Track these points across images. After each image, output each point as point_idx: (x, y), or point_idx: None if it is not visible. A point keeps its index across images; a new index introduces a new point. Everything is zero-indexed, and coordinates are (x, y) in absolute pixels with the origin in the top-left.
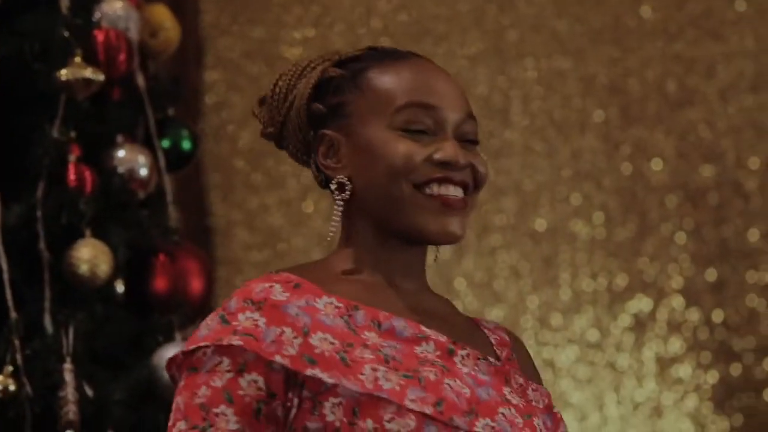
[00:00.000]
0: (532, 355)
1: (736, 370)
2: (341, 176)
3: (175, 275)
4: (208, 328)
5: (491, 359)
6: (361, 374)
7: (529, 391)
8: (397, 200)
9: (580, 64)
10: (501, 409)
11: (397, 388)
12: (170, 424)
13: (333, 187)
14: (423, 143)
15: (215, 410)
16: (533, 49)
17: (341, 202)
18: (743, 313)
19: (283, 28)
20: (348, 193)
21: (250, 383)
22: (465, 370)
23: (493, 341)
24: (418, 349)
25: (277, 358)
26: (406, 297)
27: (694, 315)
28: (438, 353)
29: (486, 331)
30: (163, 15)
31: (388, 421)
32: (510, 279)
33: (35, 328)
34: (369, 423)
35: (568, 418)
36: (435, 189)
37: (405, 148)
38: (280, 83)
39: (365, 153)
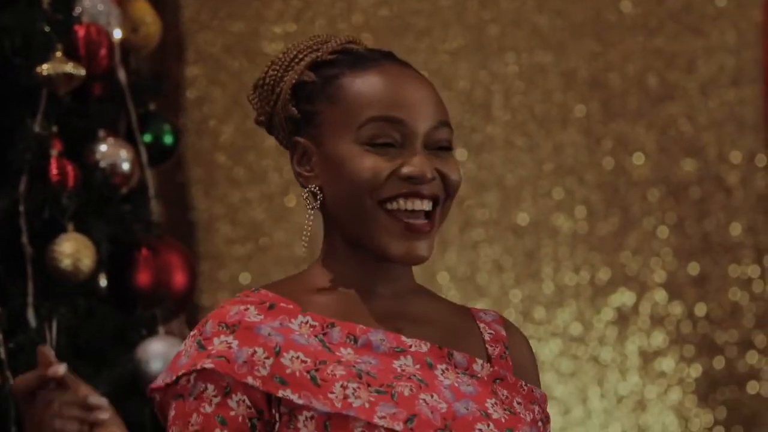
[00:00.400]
0: None
1: (719, 363)
2: (313, 185)
3: (157, 269)
4: (187, 355)
5: (477, 367)
6: (331, 393)
7: (515, 403)
8: (361, 217)
9: (561, 59)
10: (478, 425)
11: (367, 405)
12: None
13: (304, 196)
14: (389, 157)
15: None
16: (514, 43)
17: (311, 212)
18: (726, 306)
19: (263, 22)
20: (318, 203)
21: (239, 403)
22: (446, 382)
23: (487, 337)
24: (396, 363)
25: (249, 380)
26: (387, 304)
27: (677, 309)
28: (417, 366)
29: (481, 324)
30: (143, 10)
31: None
32: (493, 273)
33: (18, 322)
34: None
35: (552, 411)
36: (402, 204)
37: (370, 163)
38: (270, 72)
39: (333, 166)
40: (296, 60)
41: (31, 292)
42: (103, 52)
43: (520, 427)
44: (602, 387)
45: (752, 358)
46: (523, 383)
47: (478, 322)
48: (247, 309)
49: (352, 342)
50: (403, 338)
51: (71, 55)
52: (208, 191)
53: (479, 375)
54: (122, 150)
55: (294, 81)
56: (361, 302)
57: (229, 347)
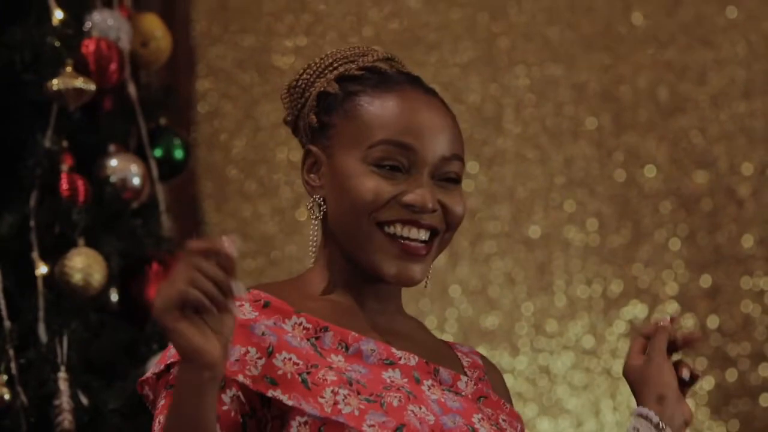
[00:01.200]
0: (527, 362)
1: (731, 375)
2: (318, 196)
3: None
4: (172, 348)
5: (461, 384)
6: (321, 397)
7: (500, 420)
8: (357, 235)
9: (572, 72)
10: None
11: (356, 412)
12: None
13: (309, 205)
14: (395, 181)
15: None
16: (525, 56)
17: (315, 223)
18: (738, 319)
19: (274, 37)
20: (321, 214)
21: (233, 398)
22: (433, 396)
23: (465, 363)
24: (384, 375)
25: (240, 378)
26: (378, 318)
27: (689, 321)
28: (405, 380)
29: (459, 353)
30: (154, 24)
31: None
32: (505, 286)
33: (29, 337)
34: None
35: (565, 424)
36: (399, 229)
37: (373, 184)
38: (305, 75)
39: (338, 180)
40: (330, 68)
41: (42, 307)
42: (113, 66)
43: None
44: (615, 400)
45: (765, 370)
46: (505, 402)
47: (455, 351)
48: (242, 306)
49: (343, 349)
50: (393, 350)
51: (81, 70)
52: (220, 205)
53: (464, 392)
54: (133, 165)
55: (320, 89)
56: (355, 312)
57: None
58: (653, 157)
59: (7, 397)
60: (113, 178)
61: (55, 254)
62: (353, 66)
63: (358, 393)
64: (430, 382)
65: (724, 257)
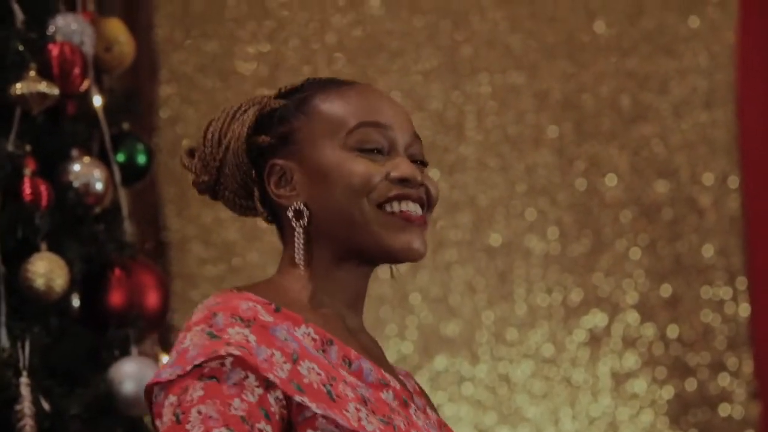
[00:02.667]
0: (487, 370)
1: (691, 385)
2: (297, 203)
3: (130, 289)
4: (196, 347)
5: (429, 411)
6: (346, 411)
7: None
8: (359, 220)
9: (534, 80)
10: None
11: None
12: (193, 430)
13: (290, 215)
14: (379, 163)
15: (258, 426)
16: (487, 64)
17: (301, 230)
18: (698, 328)
19: (237, 43)
20: (306, 220)
21: (277, 400)
22: (419, 422)
23: (409, 388)
24: (382, 395)
25: (270, 376)
26: (359, 335)
27: (649, 330)
28: (396, 402)
29: (401, 377)
30: (117, 29)
31: None
32: (465, 294)
33: None
34: None
35: None
36: (396, 206)
37: (363, 167)
38: (211, 129)
39: (320, 177)
40: (240, 111)
41: (4, 311)
42: (76, 71)
43: None
44: (574, 408)
45: (724, 380)
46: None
47: (398, 374)
48: (256, 307)
49: (347, 365)
50: (384, 372)
51: (45, 74)
52: (181, 211)
53: (431, 419)
54: (96, 169)
55: (255, 115)
56: (342, 327)
57: (247, 340)
58: (615, 166)
59: None
60: (76, 183)
61: (17, 259)
62: (263, 104)
63: (374, 413)
64: (414, 407)
65: (685, 267)
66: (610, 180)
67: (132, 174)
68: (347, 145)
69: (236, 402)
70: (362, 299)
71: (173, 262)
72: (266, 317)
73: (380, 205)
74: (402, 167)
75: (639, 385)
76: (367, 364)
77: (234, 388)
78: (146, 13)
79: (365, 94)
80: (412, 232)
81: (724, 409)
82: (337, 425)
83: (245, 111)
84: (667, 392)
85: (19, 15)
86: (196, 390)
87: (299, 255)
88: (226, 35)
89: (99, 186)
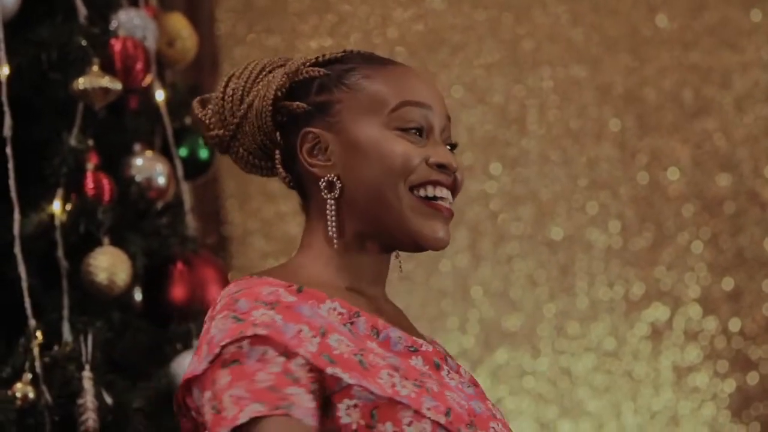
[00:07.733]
0: (548, 364)
1: (753, 378)
2: (330, 175)
3: (192, 283)
4: (222, 331)
5: (462, 371)
6: (380, 378)
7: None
8: (392, 200)
9: (596, 73)
10: (492, 423)
11: (413, 395)
12: (230, 414)
13: (322, 185)
14: (419, 144)
15: (287, 391)
16: (549, 58)
17: (332, 202)
18: (760, 321)
19: (298, 37)
20: (337, 192)
21: (301, 366)
22: (452, 383)
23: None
24: (411, 362)
25: (301, 351)
26: (384, 304)
27: (711, 324)
28: (427, 366)
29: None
30: (179, 24)
31: (408, 425)
32: (527, 287)
33: (54, 336)
34: (389, 426)
35: (585, 426)
36: (430, 190)
37: (403, 148)
38: (232, 86)
39: (359, 152)
40: (264, 71)
41: (67, 306)
42: (139, 66)
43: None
44: (636, 402)
45: None
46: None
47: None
48: (278, 290)
49: (375, 336)
50: (414, 337)
51: (107, 69)
52: (243, 205)
53: (464, 379)
54: (158, 164)
55: (287, 80)
56: (368, 297)
57: (274, 320)
58: (677, 160)
59: (31, 395)
60: (138, 178)
61: (79, 253)
62: (308, 60)
63: (406, 378)
64: (447, 368)
65: (747, 260)
66: (672, 174)
67: (194, 168)
68: (389, 124)
69: (261, 375)
70: (384, 276)
71: (235, 256)
72: (289, 298)
73: (413, 188)
74: (441, 153)
75: (701, 379)
76: (395, 333)
77: (257, 363)
78: (208, 8)
79: (407, 74)
80: (440, 221)
81: None
82: (371, 393)
83: (270, 71)
84: (729, 386)
85: (82, 10)
86: (224, 377)
87: (332, 227)
88: (288, 30)
89: (161, 180)
